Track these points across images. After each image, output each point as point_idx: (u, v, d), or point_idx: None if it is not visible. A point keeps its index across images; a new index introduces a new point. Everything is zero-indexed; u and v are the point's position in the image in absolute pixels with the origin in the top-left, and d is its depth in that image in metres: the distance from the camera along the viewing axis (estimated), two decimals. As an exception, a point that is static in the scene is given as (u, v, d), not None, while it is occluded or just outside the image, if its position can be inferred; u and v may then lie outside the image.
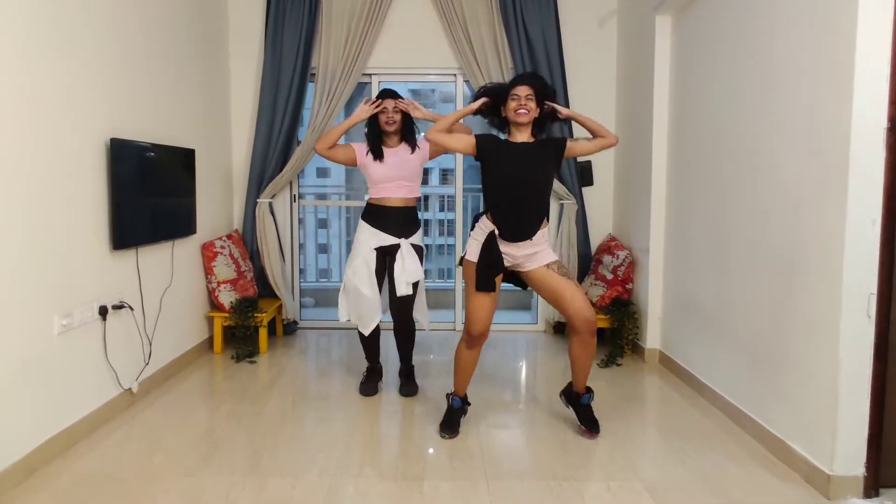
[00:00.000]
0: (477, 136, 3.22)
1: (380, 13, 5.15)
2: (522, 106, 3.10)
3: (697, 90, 4.03)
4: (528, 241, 3.13)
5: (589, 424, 3.31)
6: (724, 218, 3.66)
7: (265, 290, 5.27)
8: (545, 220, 3.19)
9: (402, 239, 3.75)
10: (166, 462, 2.95)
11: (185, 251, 4.37)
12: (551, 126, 3.44)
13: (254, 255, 5.22)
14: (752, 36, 3.32)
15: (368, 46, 5.18)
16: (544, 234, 3.19)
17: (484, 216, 3.21)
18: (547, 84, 3.25)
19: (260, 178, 5.20)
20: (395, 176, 3.71)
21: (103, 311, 3.32)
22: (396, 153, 3.73)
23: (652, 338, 4.69)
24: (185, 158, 4.20)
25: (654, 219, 4.60)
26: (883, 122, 2.45)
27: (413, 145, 3.77)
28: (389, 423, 3.49)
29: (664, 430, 3.38)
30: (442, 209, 7.70)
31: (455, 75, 5.45)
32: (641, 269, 4.82)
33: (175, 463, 2.94)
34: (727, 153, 3.62)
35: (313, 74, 5.23)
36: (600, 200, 5.50)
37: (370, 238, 3.75)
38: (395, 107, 3.67)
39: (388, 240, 3.74)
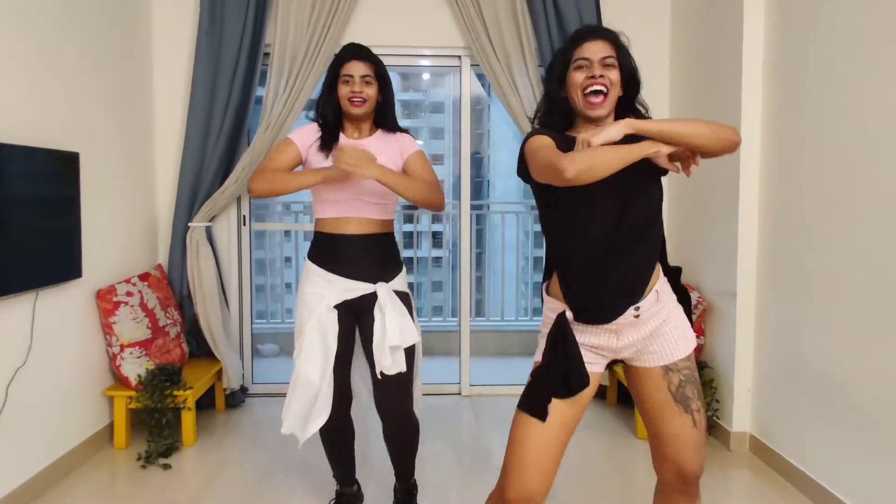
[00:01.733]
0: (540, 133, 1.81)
1: (358, -29, 3.80)
2: (597, 81, 1.73)
3: (809, 75, 2.76)
4: (633, 317, 1.74)
5: None
6: (860, 240, 2.52)
7: (201, 348, 3.84)
8: (655, 272, 1.78)
9: (380, 283, 2.36)
10: None
11: (62, 304, 2.95)
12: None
13: (183, 302, 3.80)
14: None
15: (343, 17, 3.84)
16: (660, 297, 1.77)
17: (546, 284, 1.88)
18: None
19: (192, 194, 3.79)
20: (355, 185, 2.35)
21: None
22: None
23: (740, 417, 3.39)
24: (60, 166, 2.80)
25: (743, 249, 3.31)
26: None
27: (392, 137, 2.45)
28: None
29: None
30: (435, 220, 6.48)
31: (459, 57, 4.12)
32: (722, 321, 3.48)
33: None
34: (864, 159, 2.46)
35: (267, 54, 3.85)
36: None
37: (324, 290, 2.35)
38: (367, 75, 2.31)
39: (353, 288, 2.35)
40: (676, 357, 1.75)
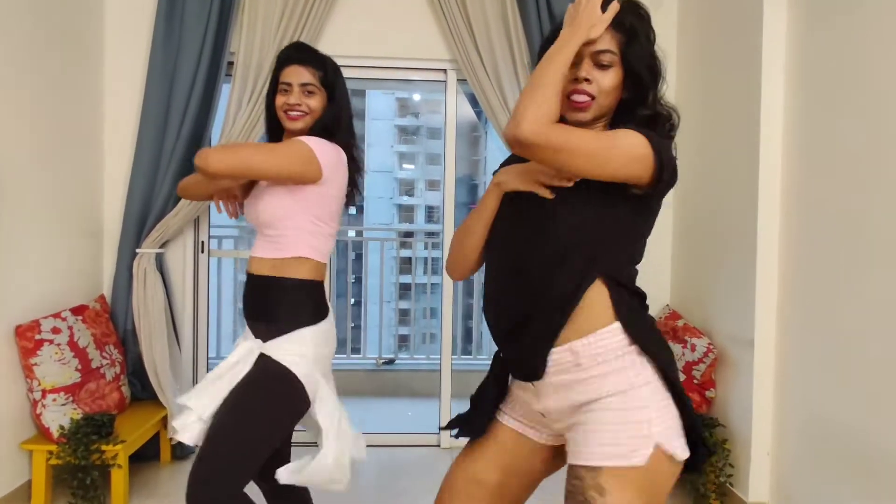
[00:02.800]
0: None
1: (333, -27, 3.44)
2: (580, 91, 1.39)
3: (841, 86, 2.37)
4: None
5: None
6: None
7: (146, 391, 3.39)
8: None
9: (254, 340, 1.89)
10: None
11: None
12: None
13: (127, 338, 3.36)
14: None
15: (316, 24, 3.49)
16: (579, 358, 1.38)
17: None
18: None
19: (142, 216, 3.37)
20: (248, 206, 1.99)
21: None
22: None
23: (757, 485, 2.96)
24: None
25: (763, 288, 2.90)
26: None
27: None
28: None
29: None
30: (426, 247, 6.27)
31: (445, 71, 3.74)
32: (736, 371, 3.07)
33: None
34: None
35: (231, 63, 3.47)
36: (650, 253, 3.71)
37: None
38: (309, 84, 1.91)
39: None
40: (577, 460, 1.34)
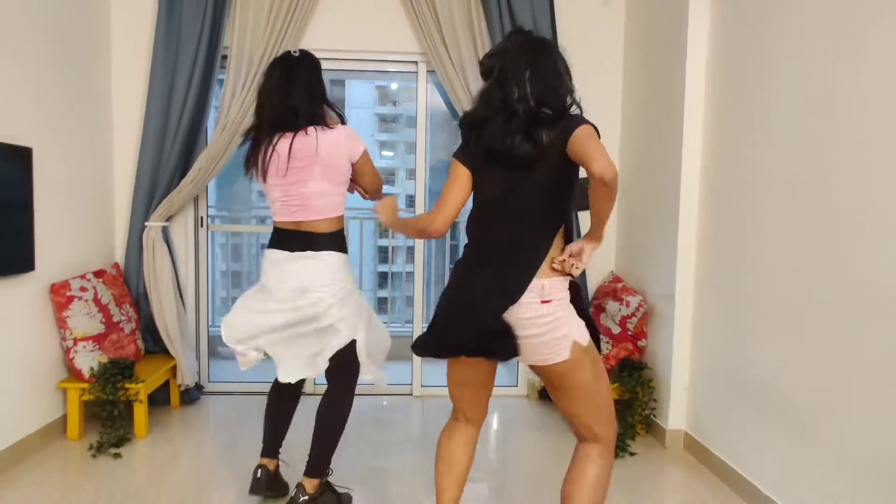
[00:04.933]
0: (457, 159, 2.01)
1: (316, -24, 3.89)
2: None
3: (753, 78, 2.88)
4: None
5: None
6: (795, 249, 2.57)
7: (157, 345, 3.90)
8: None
9: None
10: None
11: (17, 296, 3.01)
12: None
13: (139, 300, 3.86)
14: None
15: (300, 21, 3.92)
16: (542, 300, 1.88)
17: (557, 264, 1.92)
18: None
19: (149, 194, 3.85)
20: None
21: None
22: None
23: (675, 415, 3.50)
24: (11, 160, 2.85)
25: (682, 253, 3.42)
26: None
27: None
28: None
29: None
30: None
31: (416, 63, 4.21)
32: (661, 322, 3.61)
33: None
34: (797, 170, 2.54)
35: (225, 57, 3.92)
36: (599, 228, 4.26)
37: None
38: None
39: None
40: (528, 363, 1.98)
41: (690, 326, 3.44)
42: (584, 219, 4.16)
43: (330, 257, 2.45)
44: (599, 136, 1.75)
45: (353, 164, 2.50)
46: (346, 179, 2.51)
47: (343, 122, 2.53)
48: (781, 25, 2.70)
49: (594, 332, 1.97)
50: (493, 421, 3.88)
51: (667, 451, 3.43)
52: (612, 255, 4.32)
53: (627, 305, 3.76)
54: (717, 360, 3.19)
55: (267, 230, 6.01)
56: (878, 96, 2.15)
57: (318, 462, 2.52)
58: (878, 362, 2.13)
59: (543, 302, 1.82)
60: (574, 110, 1.89)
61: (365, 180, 2.59)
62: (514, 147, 1.80)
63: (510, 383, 4.49)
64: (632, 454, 3.37)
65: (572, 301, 1.92)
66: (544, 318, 1.83)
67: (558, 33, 4.02)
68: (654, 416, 3.63)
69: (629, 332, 3.74)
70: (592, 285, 4.22)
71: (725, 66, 3.14)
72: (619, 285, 3.95)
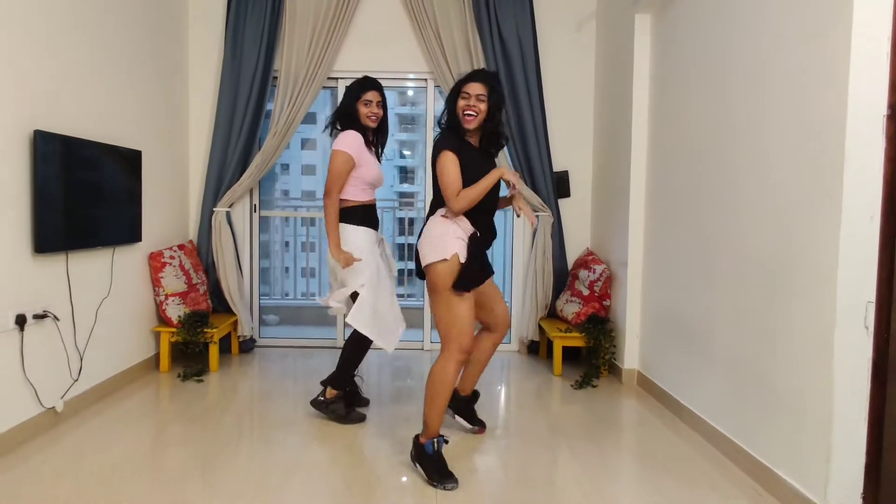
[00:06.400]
0: (453, 150, 2.82)
1: (346, 13, 4.91)
2: (471, 107, 2.82)
3: (679, 91, 3.80)
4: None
5: (479, 423, 3.41)
6: (707, 226, 3.41)
7: (221, 305, 4.94)
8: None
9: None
10: (85, 488, 2.60)
11: (128, 260, 4.05)
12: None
13: (209, 268, 4.90)
14: (738, 27, 3.08)
15: (334, 48, 4.93)
16: None
17: (449, 215, 2.85)
18: (501, 90, 2.93)
19: (217, 186, 4.90)
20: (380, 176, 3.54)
21: (21, 321, 2.99)
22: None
23: (630, 358, 4.42)
24: (129, 160, 3.89)
25: (633, 229, 4.35)
26: (882, 109, 2.20)
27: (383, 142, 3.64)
28: (356, 451, 3.16)
29: (641, 458, 3.08)
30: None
31: (426, 80, 5.21)
32: (619, 285, 4.56)
33: (96, 488, 2.59)
34: (711, 156, 3.38)
35: (276, 77, 4.96)
36: (578, 213, 5.25)
37: (374, 244, 3.49)
38: (380, 101, 3.46)
39: (378, 242, 3.59)
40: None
41: (640, 286, 4.35)
42: (563, 204, 5.15)
43: None
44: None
45: None
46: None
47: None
48: (695, 51, 3.66)
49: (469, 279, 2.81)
50: (494, 368, 4.85)
51: (623, 386, 4.32)
52: (587, 234, 5.28)
53: (594, 272, 4.71)
54: (657, 310, 4.08)
55: (299, 215, 7.10)
56: (764, 111, 3.10)
57: (335, 376, 3.46)
58: (752, 302, 3.07)
59: None
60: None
61: None
62: None
63: (505, 342, 5.46)
64: (595, 387, 4.30)
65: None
66: None
67: (540, 56, 5.00)
68: (614, 359, 4.57)
69: (596, 294, 4.69)
70: (571, 258, 5.18)
71: (663, 84, 4.09)
72: (591, 257, 4.90)
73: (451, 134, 2.88)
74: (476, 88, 2.81)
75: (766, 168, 2.78)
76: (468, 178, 2.80)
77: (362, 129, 3.42)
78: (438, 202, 2.92)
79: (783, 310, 2.64)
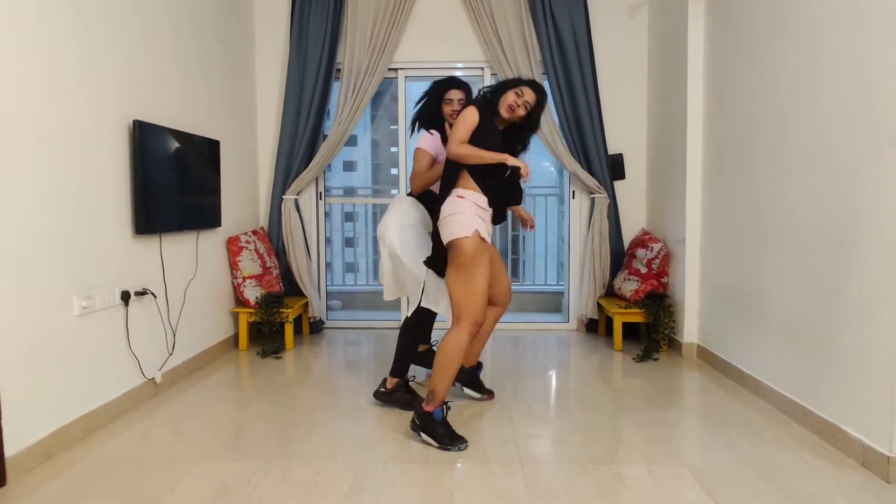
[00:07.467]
0: (479, 111, 2.95)
1: (405, 6, 5.10)
2: (517, 106, 2.99)
3: (734, 72, 3.89)
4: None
5: (487, 391, 3.59)
6: (763, 201, 3.51)
7: (291, 288, 5.19)
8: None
9: None
10: (188, 449, 2.85)
11: (209, 244, 4.32)
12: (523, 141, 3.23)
13: (279, 253, 5.15)
14: (791, 3, 3.17)
15: (394, 41, 5.13)
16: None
17: (463, 191, 2.97)
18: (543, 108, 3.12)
19: (286, 175, 5.15)
20: None
21: (125, 297, 3.26)
22: None
23: (689, 332, 4.52)
24: (210, 149, 4.15)
25: (690, 207, 4.45)
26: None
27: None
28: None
29: (706, 419, 3.21)
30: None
31: (482, 69, 5.37)
32: (677, 261, 4.66)
33: (197, 450, 2.84)
34: (765, 133, 3.48)
35: (339, 70, 5.18)
36: (632, 194, 5.36)
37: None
38: (461, 98, 3.54)
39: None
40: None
41: (698, 262, 4.45)
42: (618, 186, 5.27)
43: None
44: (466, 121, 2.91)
45: None
46: None
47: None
48: (749, 30, 3.75)
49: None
50: (553, 345, 5.00)
51: (683, 359, 4.42)
52: (643, 216, 5.38)
53: (651, 250, 4.82)
54: (716, 284, 4.18)
55: (362, 201, 7.36)
56: (820, 83, 3.19)
57: (396, 366, 3.49)
58: (813, 268, 3.17)
59: None
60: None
61: None
62: None
63: (563, 320, 5.60)
64: (656, 360, 4.41)
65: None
66: None
67: (593, 42, 5.12)
68: (674, 334, 4.68)
69: (653, 271, 4.79)
70: (627, 238, 5.29)
71: (717, 65, 4.18)
72: (647, 236, 5.01)
73: (485, 104, 3.04)
74: (530, 96, 3.00)
75: (826, 141, 2.88)
76: (477, 142, 2.93)
77: (441, 127, 3.56)
78: (450, 182, 3.03)
79: (844, 275, 2.74)
